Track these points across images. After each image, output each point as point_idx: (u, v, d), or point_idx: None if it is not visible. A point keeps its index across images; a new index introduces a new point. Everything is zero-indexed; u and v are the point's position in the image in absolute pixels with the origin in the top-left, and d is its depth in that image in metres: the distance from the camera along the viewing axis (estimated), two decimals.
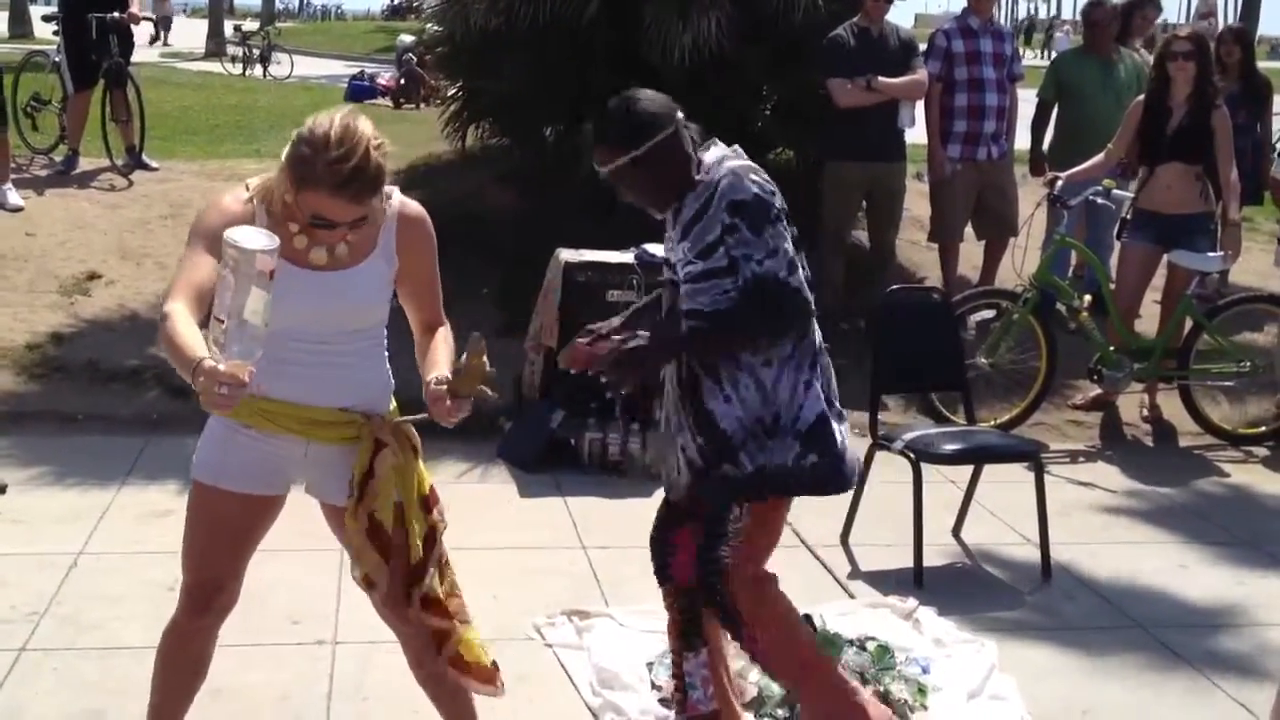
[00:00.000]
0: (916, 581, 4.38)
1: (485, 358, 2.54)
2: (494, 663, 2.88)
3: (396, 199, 2.71)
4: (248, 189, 2.60)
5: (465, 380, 2.54)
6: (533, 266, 5.87)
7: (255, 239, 2.29)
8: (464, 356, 2.55)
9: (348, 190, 2.45)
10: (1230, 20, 28.06)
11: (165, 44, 28.97)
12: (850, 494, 4.75)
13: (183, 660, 2.80)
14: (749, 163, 3.02)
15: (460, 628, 2.79)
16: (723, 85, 7.09)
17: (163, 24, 30.44)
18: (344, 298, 2.61)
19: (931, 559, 4.54)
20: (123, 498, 4.80)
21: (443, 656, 2.78)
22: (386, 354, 2.78)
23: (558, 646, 3.78)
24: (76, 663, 3.56)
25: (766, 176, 2.99)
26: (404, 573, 2.69)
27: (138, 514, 4.66)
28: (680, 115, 3.01)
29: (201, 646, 2.79)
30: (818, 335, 3.02)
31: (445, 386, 2.56)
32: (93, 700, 3.37)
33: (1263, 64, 9.06)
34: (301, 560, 3.95)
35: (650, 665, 3.64)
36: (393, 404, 2.78)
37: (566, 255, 5.63)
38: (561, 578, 4.31)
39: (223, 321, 2.28)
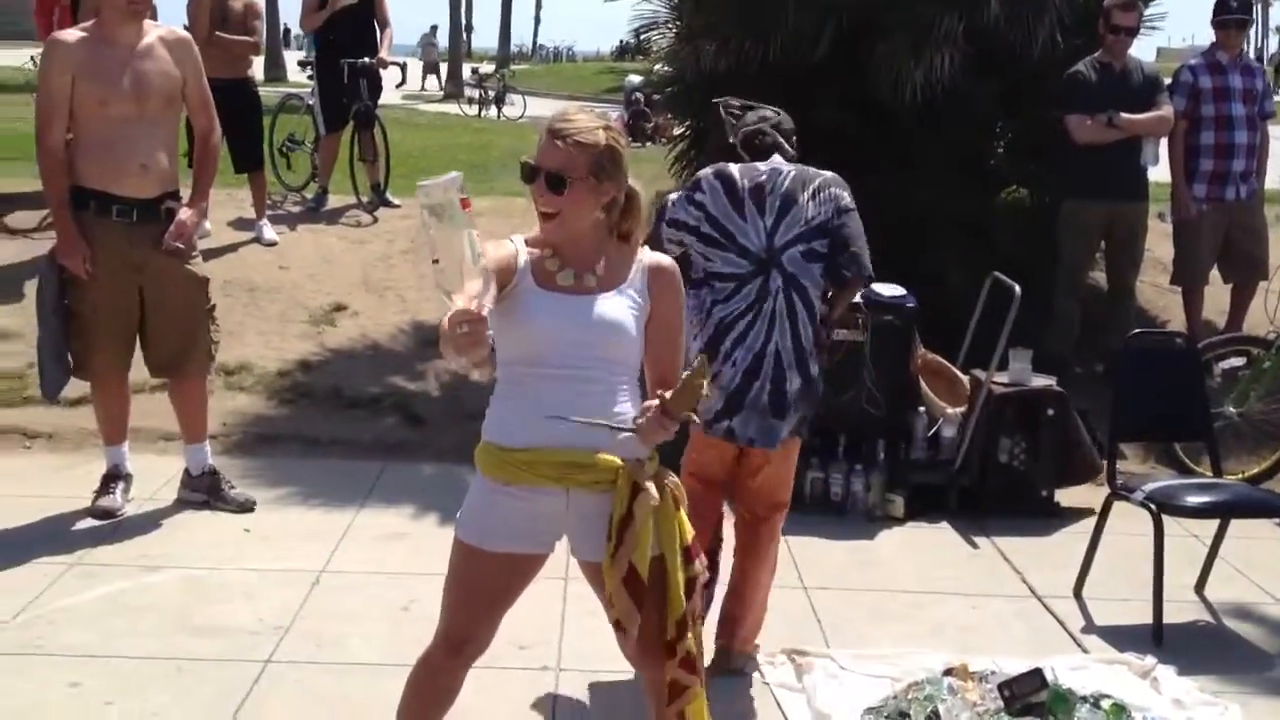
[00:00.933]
0: (1155, 639, 4.19)
1: (706, 380, 2.51)
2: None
3: (647, 252, 2.78)
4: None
5: (680, 398, 2.50)
6: None
7: (440, 178, 2.37)
8: (685, 374, 2.53)
9: (557, 131, 2.60)
10: None
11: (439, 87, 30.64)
12: (1084, 546, 4.60)
13: (431, 692, 2.86)
14: (708, 169, 3.83)
15: (699, 687, 2.78)
16: (954, 121, 6.98)
17: (430, 69, 32.11)
18: (593, 319, 2.64)
19: (1172, 616, 4.33)
20: (362, 519, 5.02)
21: (672, 709, 2.75)
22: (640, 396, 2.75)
23: (776, 686, 3.76)
24: (317, 676, 3.74)
25: (699, 183, 3.80)
26: (658, 624, 2.69)
27: (375, 535, 4.87)
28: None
29: (450, 681, 2.85)
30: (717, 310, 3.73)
31: (659, 401, 2.54)
32: (330, 713, 3.53)
33: None
34: (529, 587, 4.03)
35: (873, 711, 3.57)
36: (653, 454, 2.74)
37: None
38: (780, 616, 4.27)
39: (438, 261, 2.34)
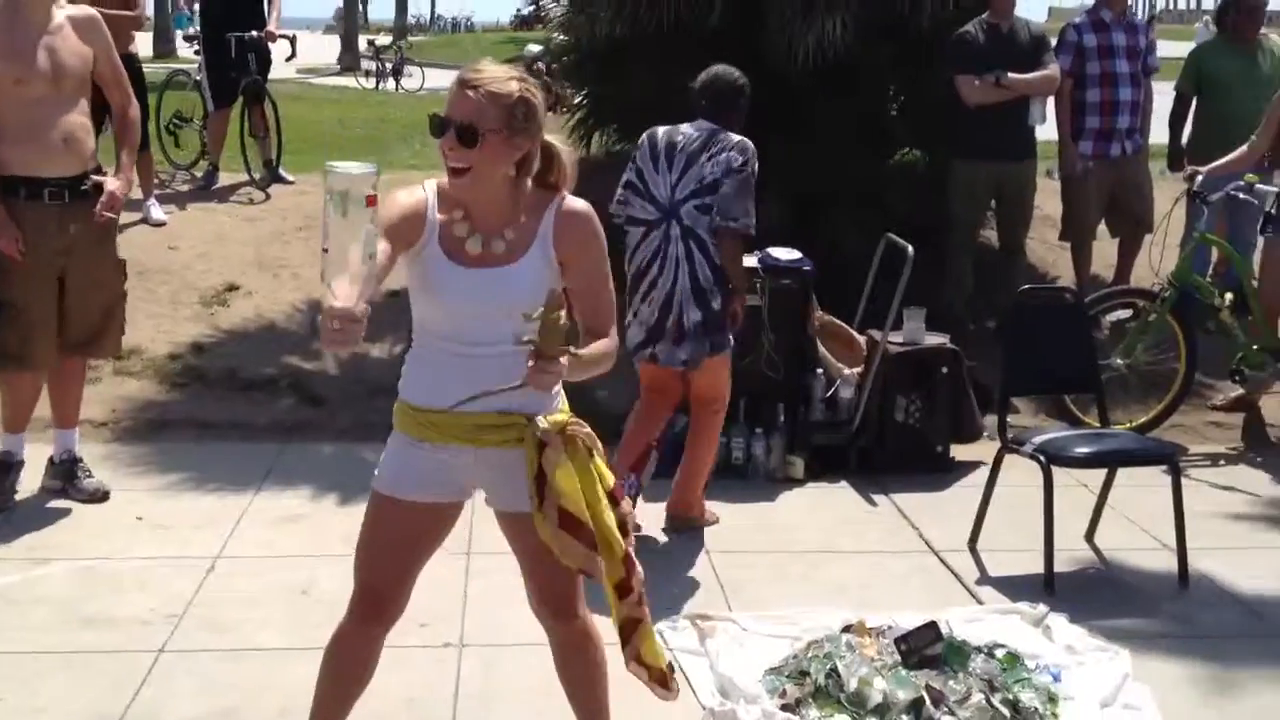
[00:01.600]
0: (1047, 587, 4.29)
1: (564, 310, 2.43)
2: (670, 665, 2.90)
3: (563, 196, 2.69)
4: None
5: (546, 339, 2.42)
6: None
7: (354, 166, 2.31)
8: (537, 313, 2.42)
9: (468, 81, 2.54)
10: None
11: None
12: (978, 499, 4.69)
13: (349, 665, 2.82)
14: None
15: (649, 623, 2.81)
16: (848, 85, 7.03)
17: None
18: (501, 295, 2.58)
19: (1063, 565, 4.43)
20: (259, 503, 4.95)
21: (631, 646, 2.78)
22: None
23: (679, 651, 3.77)
24: (213, 664, 3.68)
25: (639, 143, 4.64)
26: (573, 577, 2.70)
27: (273, 518, 4.80)
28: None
29: (368, 651, 2.81)
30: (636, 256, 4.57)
31: (532, 347, 2.45)
32: (228, 700, 3.48)
33: None
34: (429, 563, 4.01)
35: (774, 671, 3.61)
36: (562, 404, 2.73)
37: None
38: (684, 582, 4.31)
39: (327, 251, 2.28)
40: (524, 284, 2.61)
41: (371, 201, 2.29)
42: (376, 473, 2.76)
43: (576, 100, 9.00)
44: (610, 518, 2.67)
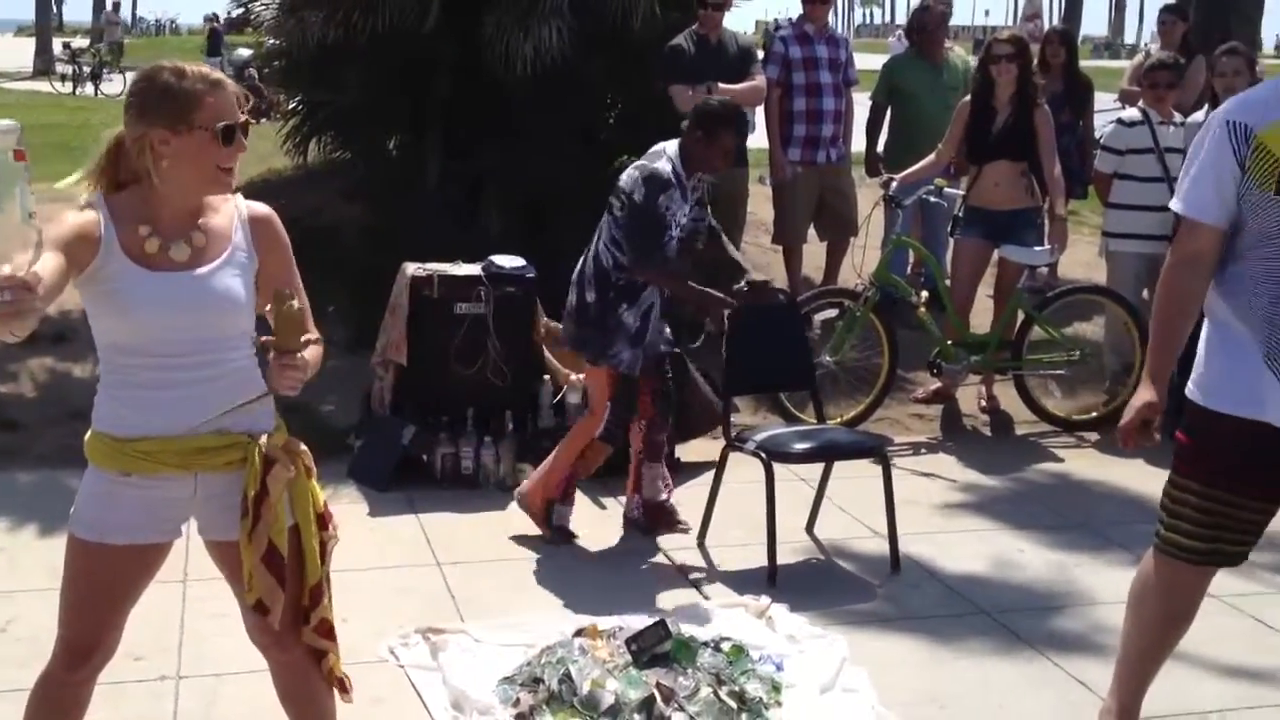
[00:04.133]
0: (770, 580, 4.45)
1: (295, 303, 2.41)
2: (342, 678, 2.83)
3: (241, 201, 2.64)
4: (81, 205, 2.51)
5: (285, 333, 2.39)
6: (381, 281, 5.80)
7: None
8: (269, 308, 2.41)
9: (219, 80, 2.50)
10: (1054, 21, 29.13)
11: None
12: (706, 497, 4.83)
13: (58, 711, 2.65)
14: None
15: (336, 655, 2.75)
16: (566, 94, 7.11)
17: (114, 49, 27.70)
18: (208, 296, 2.49)
19: (785, 557, 4.62)
20: None
21: (323, 672, 2.72)
22: (259, 368, 2.63)
23: (410, 667, 3.73)
24: None
25: None
26: (296, 597, 2.62)
27: None
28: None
29: (76, 696, 2.65)
30: None
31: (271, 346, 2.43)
32: None
33: (1085, 63, 9.44)
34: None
35: (508, 680, 3.61)
36: (279, 422, 2.66)
37: (413, 270, 5.58)
38: (415, 596, 4.26)
39: None
40: (225, 282, 2.53)
41: (20, 156, 2.17)
42: (74, 515, 2.58)
43: (290, 107, 8.78)
44: (315, 542, 2.62)
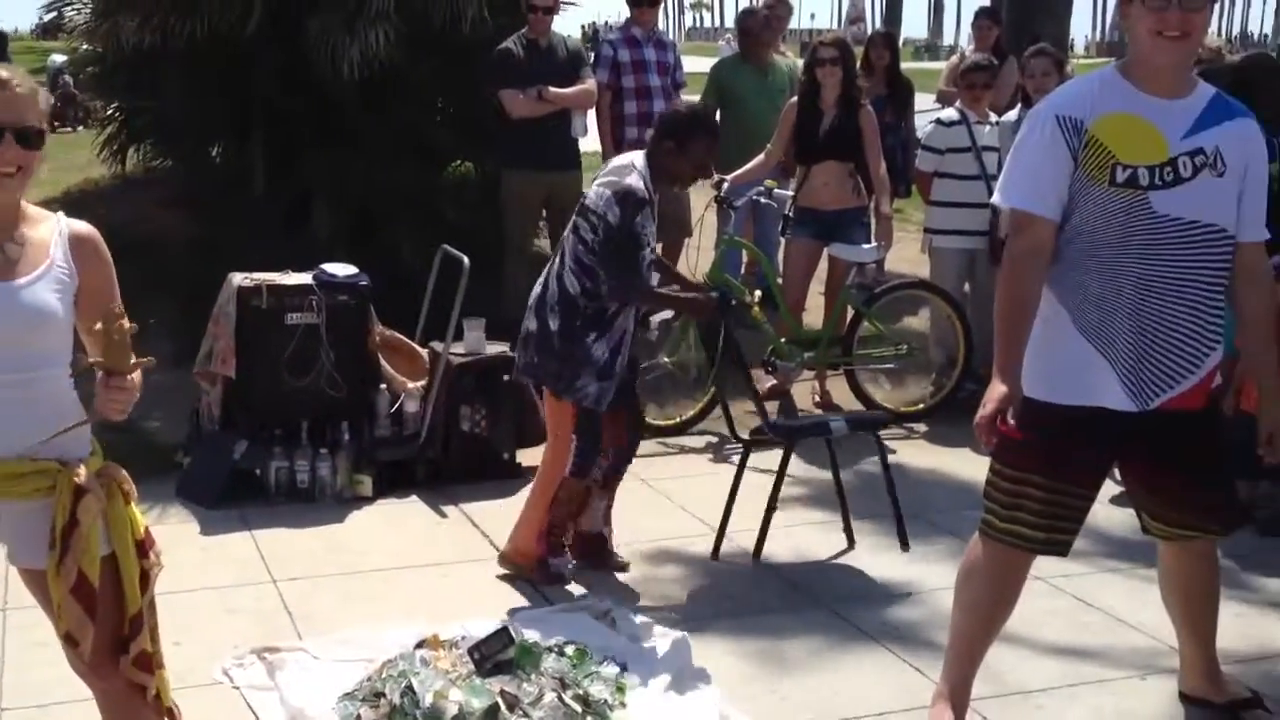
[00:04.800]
0: (615, 580, 4.46)
1: (125, 321, 2.34)
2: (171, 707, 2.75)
3: (63, 219, 2.55)
4: None
5: (115, 355, 2.32)
6: (207, 292, 5.64)
7: None
8: (99, 325, 2.34)
9: (4, 81, 2.41)
10: (876, 24, 30.03)
11: None
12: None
13: None
14: None
15: (158, 677, 2.66)
16: (396, 98, 7.04)
17: None
18: (20, 309, 2.40)
19: (629, 557, 4.64)
20: None
21: (149, 700, 2.64)
22: (75, 390, 2.55)
23: (247, 689, 3.64)
24: None
25: None
26: (114, 627, 2.53)
27: None
28: None
29: None
30: None
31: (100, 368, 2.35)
32: None
33: (907, 65, 9.73)
34: None
35: (348, 696, 3.55)
36: (95, 448, 2.57)
37: (239, 280, 5.43)
38: (249, 615, 4.16)
39: None
40: (42, 297, 2.44)
41: None
42: None
43: (107, 113, 8.49)
44: (134, 571, 2.55)
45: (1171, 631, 3.64)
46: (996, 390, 3.09)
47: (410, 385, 5.65)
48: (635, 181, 4.17)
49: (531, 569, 4.43)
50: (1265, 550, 4.70)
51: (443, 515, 5.17)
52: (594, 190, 4.25)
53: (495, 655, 3.58)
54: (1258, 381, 3.42)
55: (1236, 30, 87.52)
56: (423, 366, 5.77)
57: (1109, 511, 3.82)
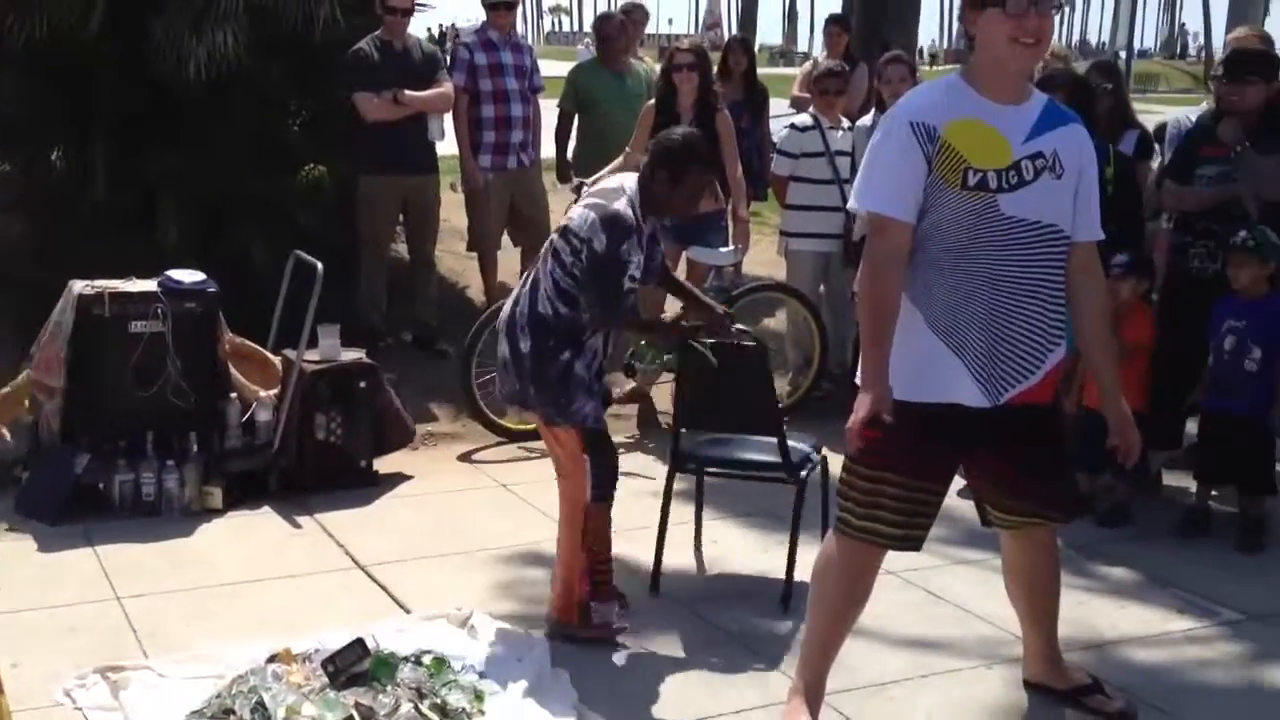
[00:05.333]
0: (475, 586, 4.43)
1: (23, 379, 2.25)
2: None
3: None
4: None
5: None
6: (49, 301, 5.41)
7: None
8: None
9: None
10: (732, 29, 30.38)
11: None
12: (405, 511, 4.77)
13: None
14: None
15: None
16: (245, 100, 6.87)
17: None
18: None
19: (487, 563, 4.62)
20: None
21: None
22: None
23: (90, 709, 3.50)
24: None
25: None
26: None
27: None
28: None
29: None
30: None
31: None
32: None
33: (762, 70, 9.86)
34: None
35: (196, 714, 3.45)
36: None
37: (80, 287, 5.25)
38: (92, 634, 4.01)
39: None
40: None
41: None
42: None
43: None
44: None
45: (1016, 621, 3.75)
46: (868, 395, 3.13)
47: (262, 394, 5.52)
48: (623, 207, 3.93)
49: (576, 623, 4.07)
50: (1104, 540, 4.88)
51: (297, 526, 5.06)
52: (578, 212, 4.01)
53: (350, 667, 3.53)
54: (1097, 377, 3.55)
55: (1076, 38, 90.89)
56: (275, 375, 5.65)
57: (957, 504, 3.91)
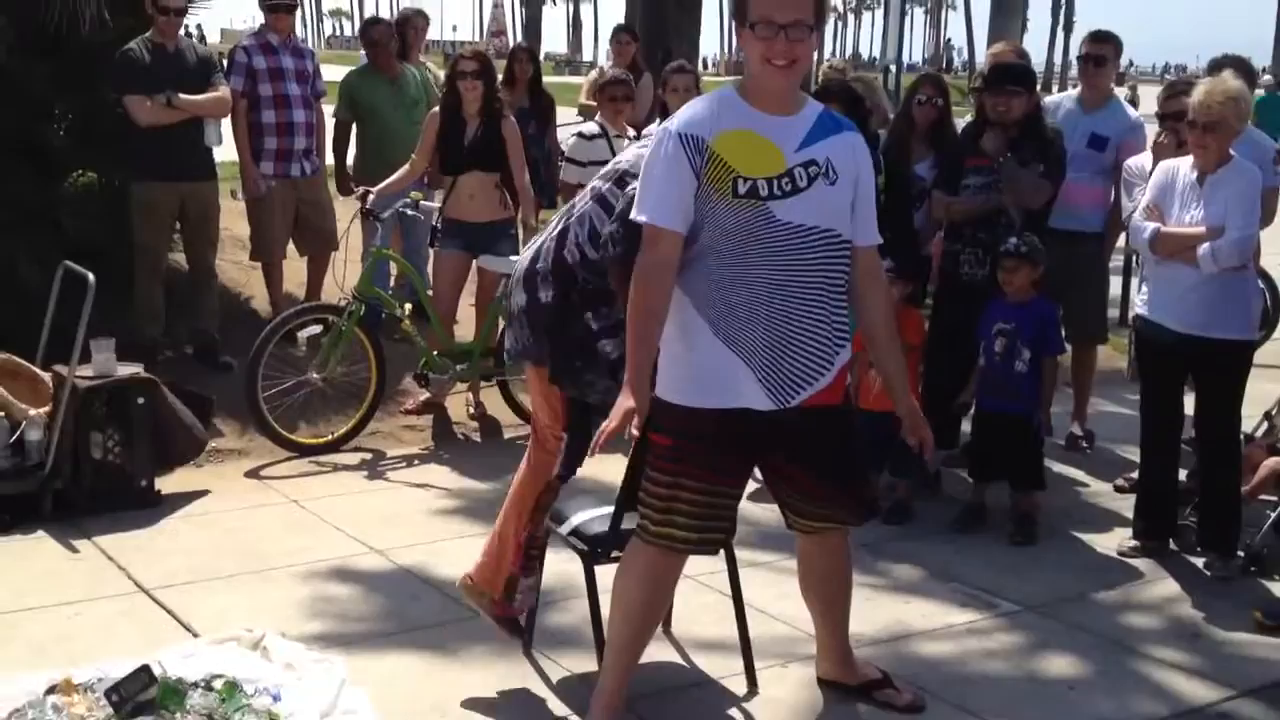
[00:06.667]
0: (271, 605, 4.31)
1: None
2: None
3: None
4: None
5: None
6: None
7: None
8: None
9: None
10: (517, 37, 30.42)
11: None
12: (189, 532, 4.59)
13: None
14: None
15: None
16: (6, 103, 6.51)
17: None
18: None
19: (282, 583, 4.49)
20: None
21: None
22: None
23: None
24: None
25: None
26: None
27: None
28: None
29: None
30: None
31: None
32: None
33: (547, 79, 9.89)
34: None
35: None
36: None
37: None
38: None
39: None
40: None
41: None
42: None
43: None
44: None
45: (809, 620, 3.86)
46: (624, 404, 3.17)
47: (32, 412, 5.23)
48: None
49: (500, 594, 3.97)
50: (888, 538, 5.08)
51: (74, 550, 4.82)
52: (633, 152, 3.71)
53: (136, 696, 3.38)
54: (884, 376, 3.69)
55: (849, 52, 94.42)
56: (46, 392, 5.36)
57: (749, 507, 4.01)
